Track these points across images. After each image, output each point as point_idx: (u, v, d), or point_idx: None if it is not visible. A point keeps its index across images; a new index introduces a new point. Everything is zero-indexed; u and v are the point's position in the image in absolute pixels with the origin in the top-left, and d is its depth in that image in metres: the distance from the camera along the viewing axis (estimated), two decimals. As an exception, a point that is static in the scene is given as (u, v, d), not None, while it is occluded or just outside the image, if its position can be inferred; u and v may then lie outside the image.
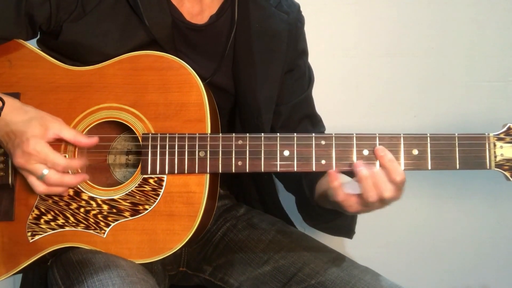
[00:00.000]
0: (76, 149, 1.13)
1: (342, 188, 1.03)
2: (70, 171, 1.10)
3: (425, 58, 1.75)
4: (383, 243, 1.83)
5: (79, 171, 1.12)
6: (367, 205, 1.04)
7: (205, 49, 1.23)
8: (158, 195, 1.09)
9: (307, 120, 1.33)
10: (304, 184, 1.24)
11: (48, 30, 1.17)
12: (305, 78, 1.33)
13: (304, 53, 1.33)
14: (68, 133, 1.08)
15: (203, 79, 1.17)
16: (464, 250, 1.83)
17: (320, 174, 1.21)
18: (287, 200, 1.43)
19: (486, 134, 1.04)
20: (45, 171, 1.05)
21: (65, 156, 1.11)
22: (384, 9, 1.74)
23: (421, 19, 1.74)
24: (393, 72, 1.76)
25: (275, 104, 1.28)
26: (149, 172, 1.09)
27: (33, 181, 1.06)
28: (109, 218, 1.10)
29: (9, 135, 1.06)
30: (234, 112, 1.28)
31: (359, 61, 1.75)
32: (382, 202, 1.03)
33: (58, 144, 1.09)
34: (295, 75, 1.31)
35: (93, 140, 1.10)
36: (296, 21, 1.30)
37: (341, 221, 1.21)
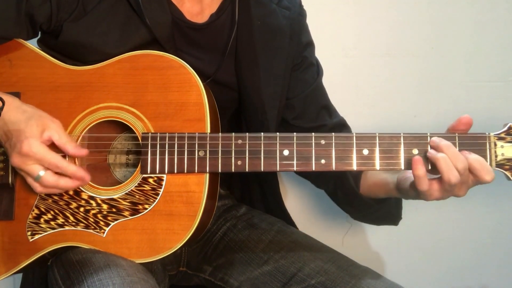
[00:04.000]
0: None
1: (426, 177, 1.01)
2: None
3: (425, 58, 1.75)
4: (383, 243, 1.83)
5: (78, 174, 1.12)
6: (447, 190, 1.02)
7: (206, 47, 1.23)
8: (157, 194, 1.09)
9: (324, 111, 1.32)
10: (350, 176, 1.23)
11: (48, 29, 1.17)
12: (314, 68, 1.33)
13: (309, 44, 1.33)
14: (59, 138, 1.06)
15: (206, 76, 1.18)
16: (464, 250, 1.83)
17: None
18: (289, 200, 1.43)
19: (487, 133, 1.04)
20: (41, 173, 1.05)
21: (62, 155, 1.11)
22: (384, 9, 1.74)
23: (421, 19, 1.74)
24: (393, 72, 1.76)
25: (282, 100, 1.27)
26: (148, 172, 1.09)
27: (30, 181, 1.07)
28: (109, 218, 1.10)
29: (6, 135, 1.06)
30: (239, 109, 1.28)
31: (359, 61, 1.75)
32: (462, 186, 1.02)
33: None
34: (302, 66, 1.31)
35: (82, 152, 1.09)
36: (297, 15, 1.30)
37: (388, 208, 1.21)
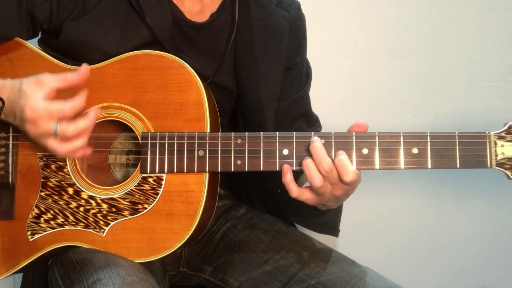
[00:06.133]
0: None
1: (295, 184, 1.04)
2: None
3: (425, 58, 1.76)
4: (383, 243, 1.83)
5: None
6: (318, 194, 1.04)
7: (206, 47, 1.23)
8: (157, 194, 1.09)
9: (303, 119, 1.33)
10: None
11: (49, 29, 1.17)
12: (302, 76, 1.33)
13: (303, 50, 1.33)
14: (57, 79, 1.03)
15: (205, 78, 1.17)
16: (464, 250, 1.84)
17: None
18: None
19: (487, 132, 1.04)
20: (56, 126, 1.01)
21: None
22: (384, 9, 1.74)
23: (421, 19, 1.74)
24: (393, 72, 1.76)
25: (277, 101, 1.28)
26: (148, 171, 1.09)
27: (51, 144, 1.02)
28: (109, 217, 1.10)
29: (13, 113, 1.04)
30: (236, 110, 1.28)
31: (359, 61, 1.76)
32: (334, 186, 1.03)
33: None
34: (292, 74, 1.31)
35: (82, 70, 1.05)
36: (296, 19, 1.30)
37: (324, 218, 1.21)
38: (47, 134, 1.02)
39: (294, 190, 1.04)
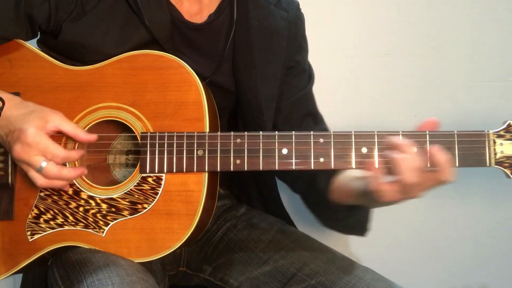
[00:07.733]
0: (76, 145, 1.13)
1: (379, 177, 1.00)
2: (68, 164, 1.11)
3: (425, 58, 1.75)
4: (383, 243, 1.82)
5: (76, 164, 1.13)
6: (405, 192, 0.99)
7: (204, 48, 1.23)
8: (156, 194, 1.09)
9: (310, 118, 1.32)
10: (319, 178, 1.22)
11: (47, 30, 1.17)
12: (305, 74, 1.33)
13: (303, 49, 1.33)
14: (68, 126, 1.08)
15: (203, 78, 1.18)
16: (464, 250, 1.83)
17: (336, 170, 1.18)
18: (288, 200, 1.43)
19: (486, 131, 1.04)
20: (44, 164, 1.04)
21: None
22: (384, 9, 1.74)
23: (421, 19, 1.74)
24: (393, 72, 1.76)
25: (276, 102, 1.28)
26: (147, 171, 1.09)
27: (32, 174, 1.06)
28: (108, 217, 1.10)
29: (9, 128, 1.06)
30: (235, 110, 1.29)
31: (359, 61, 1.75)
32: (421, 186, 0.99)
33: (58, 137, 1.10)
34: (294, 71, 1.31)
35: (93, 136, 1.10)
36: (295, 18, 1.30)
37: (357, 217, 1.20)
38: (32, 165, 1.05)
39: (376, 184, 0.99)
